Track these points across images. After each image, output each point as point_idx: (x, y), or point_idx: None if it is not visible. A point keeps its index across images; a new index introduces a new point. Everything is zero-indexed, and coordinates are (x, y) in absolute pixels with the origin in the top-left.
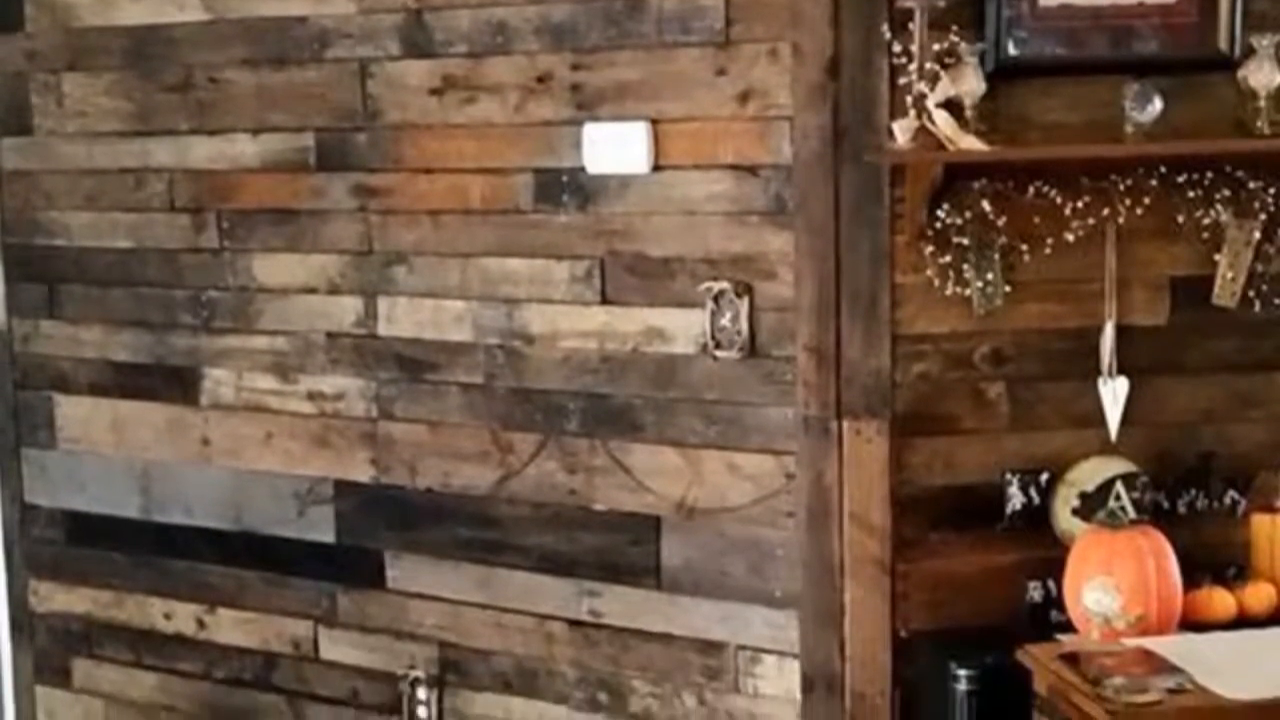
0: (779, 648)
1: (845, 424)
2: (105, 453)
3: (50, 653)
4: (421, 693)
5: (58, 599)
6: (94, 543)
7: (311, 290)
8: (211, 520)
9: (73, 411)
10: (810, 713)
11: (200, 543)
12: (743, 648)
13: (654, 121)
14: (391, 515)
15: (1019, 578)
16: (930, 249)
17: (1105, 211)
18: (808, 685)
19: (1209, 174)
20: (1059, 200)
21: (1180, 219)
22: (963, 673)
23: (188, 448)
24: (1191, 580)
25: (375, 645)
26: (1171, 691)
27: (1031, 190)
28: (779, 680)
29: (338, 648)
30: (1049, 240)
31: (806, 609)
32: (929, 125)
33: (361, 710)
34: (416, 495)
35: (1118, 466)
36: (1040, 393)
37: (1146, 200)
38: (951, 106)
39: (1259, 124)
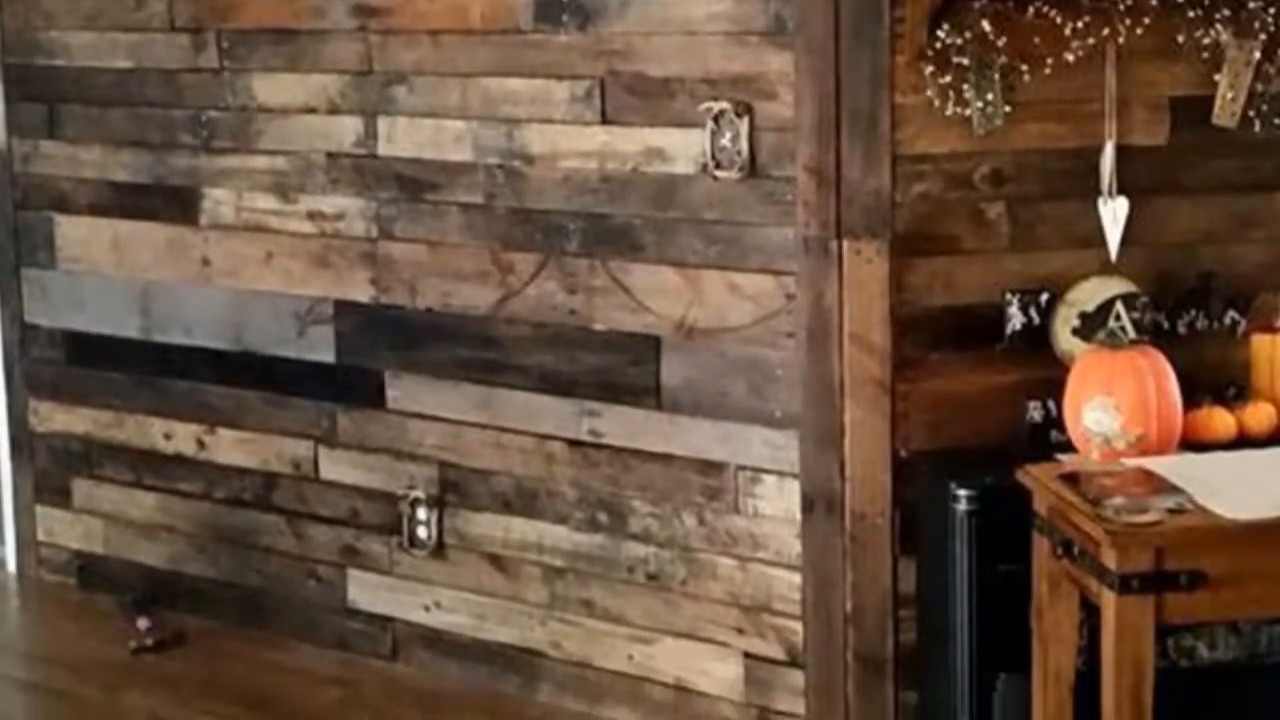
0: (779, 468)
1: (845, 244)
2: (105, 273)
3: (50, 473)
4: (421, 512)
5: (58, 419)
6: (94, 363)
7: (311, 110)
8: (211, 340)
9: (72, 232)
10: (810, 533)
11: (200, 363)
12: (742, 468)
13: None
14: (391, 335)
15: (1019, 398)
16: (930, 69)
17: (1105, 31)
18: (807, 505)
19: None
20: (1059, 20)
21: (1180, 39)
22: (962, 493)
23: (188, 268)
24: (1191, 400)
25: (375, 465)
26: (1171, 511)
27: (1031, 10)
28: (779, 500)
29: (337, 468)
30: (1049, 60)
31: (806, 429)
32: None
33: (361, 530)
34: (416, 315)
35: (1118, 286)
36: (1040, 213)
37: (1146, 20)
38: None
39: None
